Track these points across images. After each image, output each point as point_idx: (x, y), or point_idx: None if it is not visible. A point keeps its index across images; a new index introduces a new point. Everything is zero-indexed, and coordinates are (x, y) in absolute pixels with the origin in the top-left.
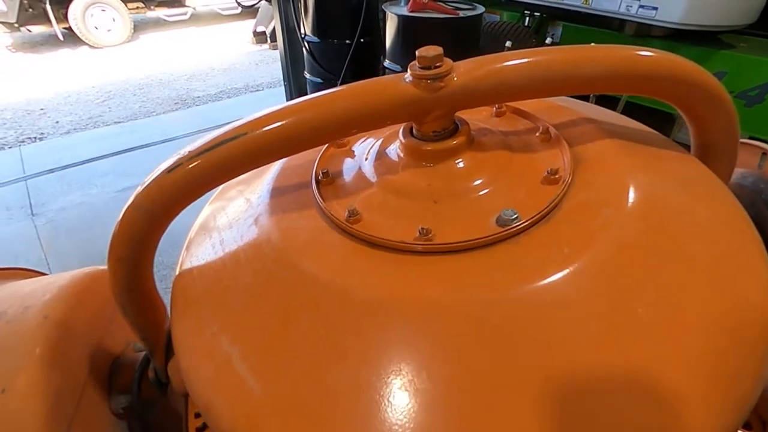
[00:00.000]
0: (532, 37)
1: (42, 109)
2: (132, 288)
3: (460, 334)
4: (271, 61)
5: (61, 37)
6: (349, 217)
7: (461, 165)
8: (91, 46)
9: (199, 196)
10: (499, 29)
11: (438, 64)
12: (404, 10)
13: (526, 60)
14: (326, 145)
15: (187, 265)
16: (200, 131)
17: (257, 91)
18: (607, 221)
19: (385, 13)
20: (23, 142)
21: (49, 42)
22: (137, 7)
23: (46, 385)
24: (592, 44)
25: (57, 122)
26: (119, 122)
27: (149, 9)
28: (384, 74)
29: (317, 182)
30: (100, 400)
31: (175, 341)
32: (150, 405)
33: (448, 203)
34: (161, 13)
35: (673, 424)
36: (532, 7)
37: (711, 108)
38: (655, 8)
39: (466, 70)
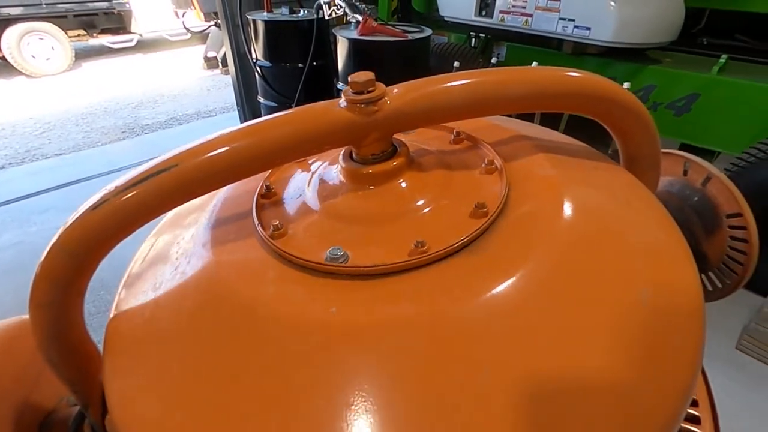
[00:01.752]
0: (479, 57)
1: None
2: (58, 337)
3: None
4: (223, 86)
5: None
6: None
7: (402, 186)
8: (28, 76)
9: (129, 234)
10: (447, 50)
11: (371, 89)
12: (354, 34)
13: (457, 83)
14: (269, 172)
15: (123, 307)
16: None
17: (210, 116)
18: (541, 231)
19: (335, 36)
20: None
21: None
22: (78, 35)
23: None
24: (528, 66)
25: None
26: (60, 154)
27: (92, 36)
28: (338, 95)
29: (258, 211)
30: None
31: (107, 393)
32: None
33: (379, 226)
34: (105, 40)
35: (627, 411)
36: (477, 29)
37: (632, 123)
38: (589, 28)
39: (399, 94)
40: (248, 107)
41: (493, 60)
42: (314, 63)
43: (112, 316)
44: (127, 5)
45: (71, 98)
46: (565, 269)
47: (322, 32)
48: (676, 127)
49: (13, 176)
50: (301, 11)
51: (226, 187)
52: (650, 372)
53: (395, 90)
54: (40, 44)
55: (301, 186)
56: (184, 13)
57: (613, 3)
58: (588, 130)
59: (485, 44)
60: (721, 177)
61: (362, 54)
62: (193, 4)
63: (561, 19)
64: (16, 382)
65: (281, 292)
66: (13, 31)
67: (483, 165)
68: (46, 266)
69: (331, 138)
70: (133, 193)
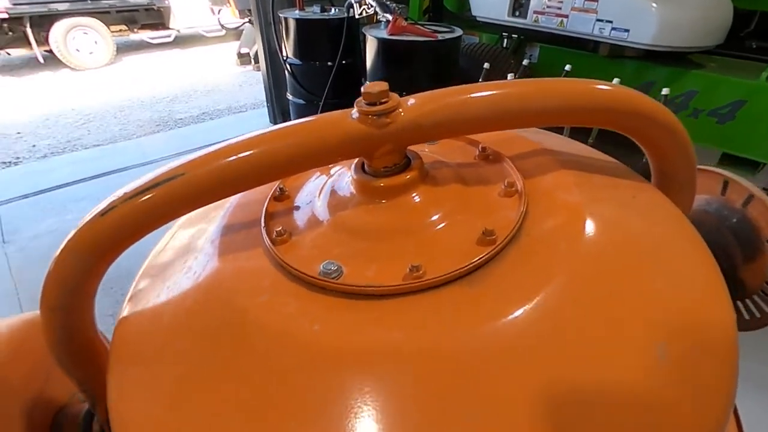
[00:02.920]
0: (510, 59)
1: (18, 132)
2: (68, 338)
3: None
4: (254, 83)
5: (41, 60)
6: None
7: (413, 202)
8: (72, 69)
9: (138, 239)
10: (477, 51)
11: (384, 100)
12: (384, 33)
13: (477, 95)
14: (271, 192)
15: (132, 303)
16: (181, 153)
17: (241, 112)
18: (552, 265)
19: (365, 35)
20: None
21: (29, 65)
22: (120, 30)
23: None
24: (555, 78)
25: (34, 146)
26: (98, 145)
27: (132, 32)
28: None
29: (267, 223)
30: None
31: (108, 390)
32: None
33: (380, 243)
34: (145, 35)
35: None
36: (510, 30)
37: (666, 140)
38: (627, 30)
39: (414, 106)
40: (277, 104)
41: (525, 62)
42: (343, 61)
43: (122, 312)
44: (167, 2)
45: (111, 91)
46: (577, 306)
47: (352, 31)
48: (718, 135)
49: (55, 165)
50: (333, 9)
51: None
52: (690, 393)
53: (410, 101)
54: (84, 39)
55: (314, 192)
56: (219, 10)
57: (654, 4)
58: (619, 137)
59: (518, 45)
60: (763, 198)
61: (391, 53)
62: (229, 2)
63: (598, 20)
64: (29, 377)
65: (272, 303)
66: (60, 26)
67: (503, 186)
68: (56, 270)
69: (342, 150)
70: (141, 200)
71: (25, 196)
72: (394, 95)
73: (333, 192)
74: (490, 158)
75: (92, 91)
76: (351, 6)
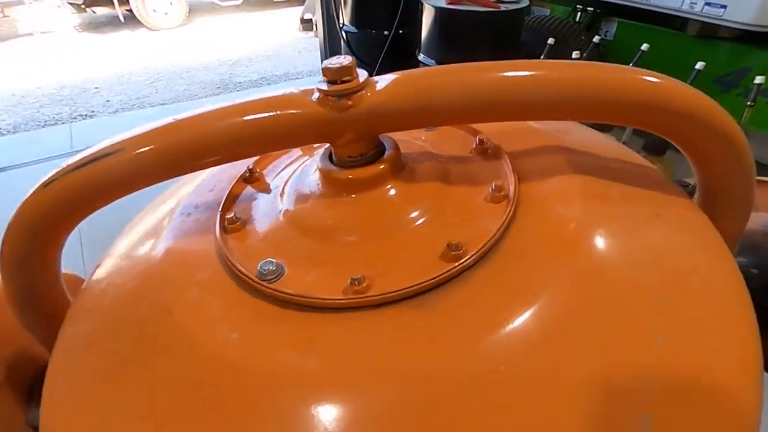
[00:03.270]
0: (581, 34)
1: (96, 87)
2: (28, 303)
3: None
4: (314, 49)
5: (122, 19)
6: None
7: (381, 200)
8: (148, 29)
9: (83, 215)
10: (544, 24)
11: (346, 78)
12: (442, 2)
13: (464, 78)
14: (251, 161)
15: (95, 273)
16: None
17: (297, 78)
18: (536, 284)
19: (422, 4)
20: (75, 119)
21: (112, 23)
22: None
23: None
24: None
25: (108, 101)
26: (164, 104)
27: None
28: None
29: (225, 207)
30: (16, 409)
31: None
32: None
33: (332, 246)
34: None
35: None
36: (585, 2)
37: (718, 149)
38: (724, 6)
39: (384, 88)
40: None
41: (596, 38)
42: (400, 31)
43: (90, 277)
44: None
45: (180, 52)
46: (538, 356)
47: None
48: None
49: (124, 120)
50: None
51: None
52: None
53: (381, 82)
54: None
55: (285, 177)
56: None
57: None
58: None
59: (592, 20)
60: None
61: (447, 24)
62: None
63: None
64: (15, 332)
65: (198, 301)
66: None
67: (490, 190)
68: (8, 241)
69: (300, 134)
70: (79, 173)
71: None
72: (363, 73)
73: (300, 180)
74: (488, 153)
75: (163, 51)
76: None
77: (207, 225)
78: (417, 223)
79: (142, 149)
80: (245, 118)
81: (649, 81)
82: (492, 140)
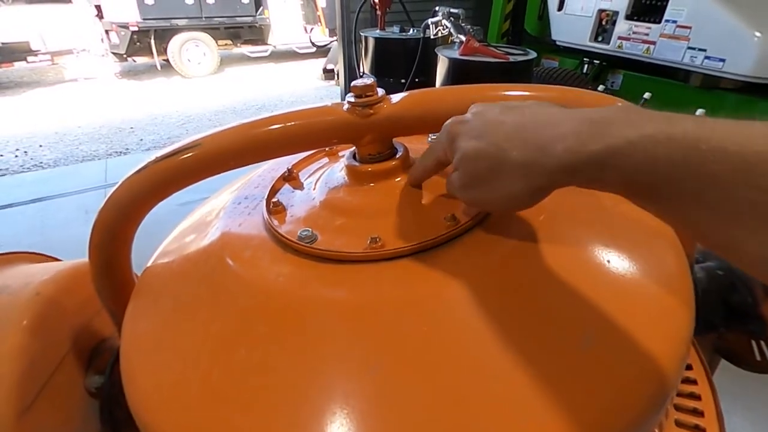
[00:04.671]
0: (587, 85)
1: (132, 128)
2: (107, 274)
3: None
4: (334, 96)
5: (159, 67)
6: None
7: (393, 187)
8: (182, 76)
9: (166, 196)
10: (552, 75)
11: (369, 93)
12: (456, 53)
13: (458, 94)
14: (282, 172)
15: (155, 260)
16: None
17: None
18: (506, 253)
19: (437, 55)
20: (110, 155)
21: (149, 71)
22: (226, 44)
23: (25, 352)
24: (548, 85)
25: (141, 140)
26: None
27: (236, 46)
28: None
29: (270, 196)
30: (77, 375)
31: (122, 328)
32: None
33: (355, 219)
34: (246, 49)
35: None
36: (592, 55)
37: None
38: (723, 60)
39: (399, 101)
40: None
41: (601, 87)
42: (416, 79)
43: (150, 263)
44: (268, 20)
45: (210, 97)
46: (503, 300)
47: (426, 51)
48: None
49: None
50: (411, 30)
51: (267, 163)
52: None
53: (395, 97)
54: (195, 50)
55: (316, 175)
56: (311, 29)
57: (758, 33)
58: None
59: (599, 71)
60: None
61: (460, 72)
62: (320, 21)
63: (690, 48)
64: (81, 307)
65: (252, 257)
66: (177, 39)
67: None
68: (102, 216)
69: (332, 135)
70: (166, 162)
71: None
72: (381, 91)
73: (330, 176)
74: None
75: (195, 96)
76: (427, 27)
77: (255, 210)
78: (421, 203)
79: (216, 145)
80: (296, 122)
81: (603, 97)
82: None
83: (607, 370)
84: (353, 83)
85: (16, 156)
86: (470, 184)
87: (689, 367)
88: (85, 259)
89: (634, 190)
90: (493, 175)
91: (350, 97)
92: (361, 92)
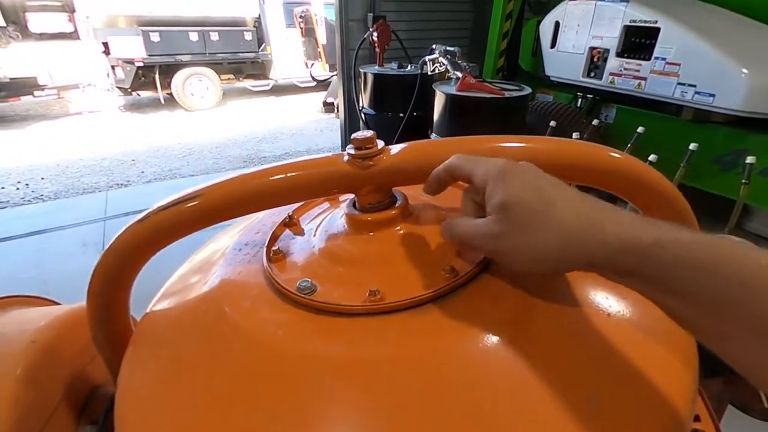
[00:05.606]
0: (582, 118)
1: (133, 160)
2: (104, 321)
3: (408, 388)
4: (334, 129)
5: (162, 101)
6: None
7: (392, 236)
8: (185, 110)
9: (166, 245)
10: (547, 109)
11: (368, 146)
12: (452, 89)
13: (452, 147)
14: (283, 217)
15: (153, 307)
16: None
17: (318, 154)
18: (501, 308)
19: (434, 90)
20: (111, 187)
21: (153, 104)
22: (228, 78)
23: (18, 402)
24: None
25: (142, 172)
26: (193, 176)
27: (238, 80)
28: None
29: (270, 243)
30: (70, 425)
31: (119, 374)
32: None
33: (353, 269)
34: (248, 83)
35: None
36: (585, 90)
37: (666, 208)
38: (712, 95)
39: (398, 153)
40: None
41: (595, 122)
42: (414, 113)
43: (148, 309)
44: (270, 56)
45: (212, 130)
46: (507, 354)
47: (424, 86)
48: None
49: (155, 190)
50: (409, 66)
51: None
52: None
53: (393, 149)
54: (198, 85)
55: (316, 222)
56: (312, 64)
57: (745, 70)
58: (701, 201)
59: (592, 105)
60: None
61: (457, 108)
62: (321, 57)
63: (680, 84)
64: (76, 354)
65: (251, 309)
66: (181, 74)
67: None
68: (102, 264)
69: (333, 185)
70: (167, 213)
71: (128, 214)
72: (380, 143)
73: (329, 223)
74: None
75: (196, 129)
76: (425, 63)
77: (255, 257)
78: (421, 254)
79: (217, 196)
80: (296, 173)
81: (593, 150)
82: None
83: (615, 429)
84: (353, 136)
85: (18, 188)
86: (504, 234)
87: (697, 418)
88: (81, 303)
89: (666, 287)
90: (532, 231)
91: (350, 149)
92: (361, 144)
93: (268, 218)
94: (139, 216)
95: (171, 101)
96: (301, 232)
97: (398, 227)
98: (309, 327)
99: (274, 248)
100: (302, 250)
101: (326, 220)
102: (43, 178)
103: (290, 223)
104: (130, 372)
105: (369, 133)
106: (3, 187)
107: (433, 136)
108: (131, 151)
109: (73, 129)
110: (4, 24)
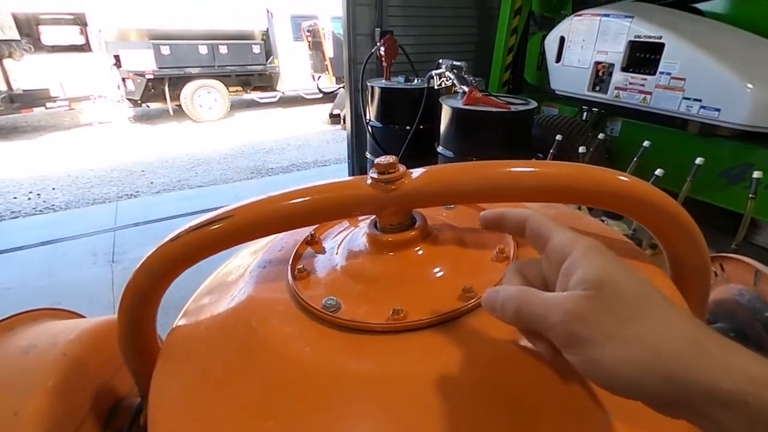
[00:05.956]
0: (587, 131)
1: (142, 171)
2: (133, 336)
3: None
4: (340, 140)
5: (171, 112)
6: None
7: (413, 257)
8: (193, 121)
9: (194, 263)
10: (553, 122)
11: (391, 171)
12: (459, 103)
13: (472, 171)
14: (305, 237)
15: (185, 318)
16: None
17: (324, 166)
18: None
19: (441, 104)
20: (121, 197)
21: (162, 116)
22: (236, 90)
23: (49, 414)
24: (555, 161)
25: (151, 183)
26: (201, 186)
27: (246, 92)
28: (437, 158)
29: (294, 262)
30: None
31: (150, 388)
32: None
33: (376, 288)
34: (255, 95)
35: None
36: (590, 104)
37: (675, 230)
38: (718, 109)
39: (419, 177)
40: (357, 161)
41: (601, 135)
42: (420, 126)
43: (175, 322)
44: (277, 68)
45: (220, 141)
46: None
47: (430, 100)
48: None
49: (164, 200)
50: (416, 80)
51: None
52: None
53: (415, 173)
54: (207, 96)
55: (338, 241)
56: (319, 77)
57: (750, 85)
58: (707, 217)
59: (598, 119)
60: None
61: (463, 122)
62: (328, 69)
63: (685, 98)
64: (102, 366)
65: (278, 326)
66: (190, 86)
67: (495, 252)
68: (134, 281)
69: (356, 207)
70: (199, 232)
71: (136, 224)
72: (402, 167)
73: (351, 242)
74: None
75: (205, 140)
76: (431, 78)
77: (280, 275)
78: (440, 274)
79: (246, 217)
80: (321, 195)
81: (605, 175)
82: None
83: None
84: (376, 161)
85: (29, 198)
86: (591, 316)
87: None
88: (106, 317)
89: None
90: (630, 320)
91: (373, 173)
92: (384, 169)
93: (290, 236)
94: (171, 235)
95: (180, 113)
96: (322, 251)
97: (417, 248)
98: (335, 344)
99: (299, 266)
100: (325, 268)
101: (347, 240)
102: (54, 189)
103: (312, 242)
104: (161, 385)
105: (391, 158)
106: (15, 197)
107: (440, 149)
108: (141, 161)
109: (83, 140)
110: (18, 37)
